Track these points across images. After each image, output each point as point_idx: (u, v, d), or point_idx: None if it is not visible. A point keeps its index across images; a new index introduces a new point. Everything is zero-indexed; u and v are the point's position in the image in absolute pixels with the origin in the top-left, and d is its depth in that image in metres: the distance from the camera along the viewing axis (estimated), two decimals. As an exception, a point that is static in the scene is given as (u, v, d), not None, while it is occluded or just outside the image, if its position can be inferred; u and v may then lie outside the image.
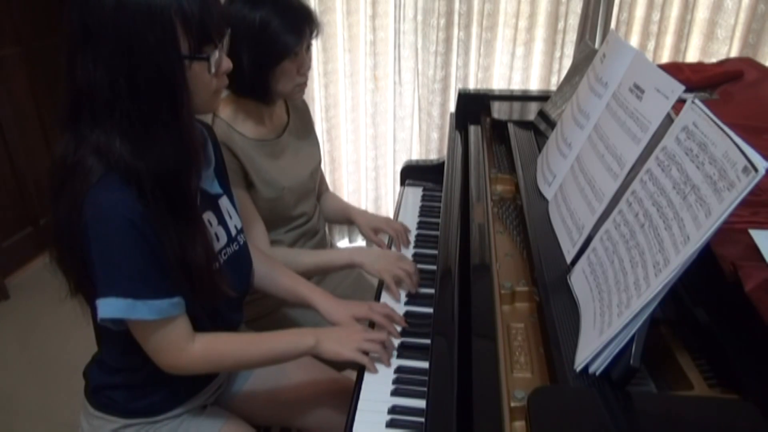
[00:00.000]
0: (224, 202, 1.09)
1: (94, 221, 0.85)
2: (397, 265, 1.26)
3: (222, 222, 1.06)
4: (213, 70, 0.90)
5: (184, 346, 0.95)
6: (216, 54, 0.90)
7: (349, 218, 1.61)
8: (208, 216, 1.03)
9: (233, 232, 1.09)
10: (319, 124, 2.56)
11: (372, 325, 1.15)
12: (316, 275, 1.46)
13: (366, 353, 1.04)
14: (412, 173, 1.79)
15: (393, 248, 1.44)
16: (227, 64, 0.93)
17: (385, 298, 1.24)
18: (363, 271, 1.33)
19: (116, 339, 0.98)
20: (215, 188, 1.07)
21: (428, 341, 1.06)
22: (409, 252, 1.43)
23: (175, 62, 0.84)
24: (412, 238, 1.48)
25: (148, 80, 0.83)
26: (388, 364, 1.05)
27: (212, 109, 1.01)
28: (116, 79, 0.82)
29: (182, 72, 0.86)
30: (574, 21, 2.27)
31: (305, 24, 1.27)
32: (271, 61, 1.26)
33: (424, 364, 1.03)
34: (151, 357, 0.95)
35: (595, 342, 0.72)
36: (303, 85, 1.35)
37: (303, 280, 1.23)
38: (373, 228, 1.53)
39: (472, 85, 2.49)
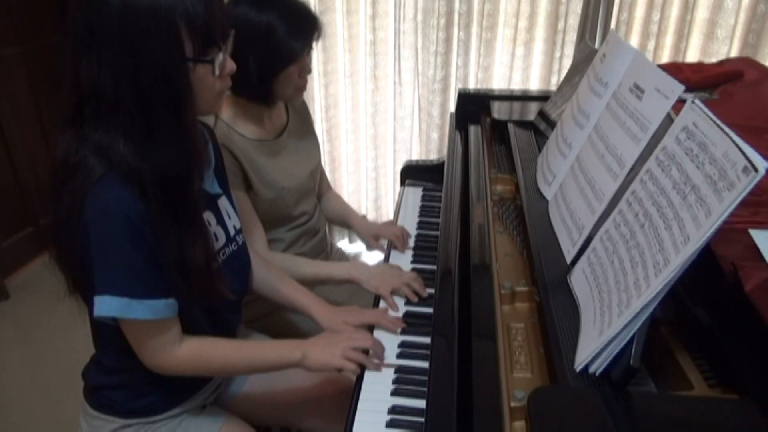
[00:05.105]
0: (223, 203, 1.09)
1: (94, 218, 0.85)
2: (396, 280, 1.24)
3: (221, 222, 1.07)
4: (217, 72, 0.90)
5: (172, 348, 0.96)
6: (220, 56, 0.89)
7: (347, 224, 1.60)
8: (207, 216, 1.03)
9: (232, 232, 1.09)
10: (319, 124, 2.56)
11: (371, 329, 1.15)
12: (314, 286, 1.46)
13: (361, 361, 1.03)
14: (412, 173, 1.79)
15: (392, 254, 1.44)
16: (231, 66, 0.93)
17: (384, 304, 1.24)
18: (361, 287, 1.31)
19: (113, 339, 0.98)
20: (215, 188, 1.07)
21: (428, 341, 1.05)
22: (408, 252, 1.42)
23: (179, 65, 0.85)
24: (412, 238, 1.48)
25: (152, 82, 0.83)
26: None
27: (216, 111, 1.01)
28: (120, 81, 0.83)
29: (186, 74, 0.86)
30: (574, 21, 2.27)
31: (311, 30, 1.27)
32: (277, 66, 1.25)
33: (424, 364, 1.03)
34: (138, 355, 0.96)
35: (595, 342, 0.72)
36: (302, 89, 1.35)
37: (301, 288, 1.23)
38: (373, 234, 1.52)
39: (472, 85, 2.48)
